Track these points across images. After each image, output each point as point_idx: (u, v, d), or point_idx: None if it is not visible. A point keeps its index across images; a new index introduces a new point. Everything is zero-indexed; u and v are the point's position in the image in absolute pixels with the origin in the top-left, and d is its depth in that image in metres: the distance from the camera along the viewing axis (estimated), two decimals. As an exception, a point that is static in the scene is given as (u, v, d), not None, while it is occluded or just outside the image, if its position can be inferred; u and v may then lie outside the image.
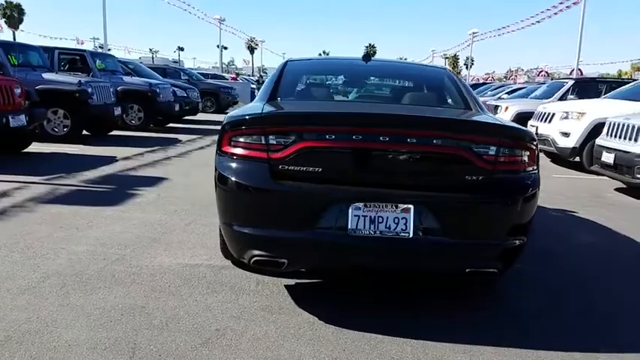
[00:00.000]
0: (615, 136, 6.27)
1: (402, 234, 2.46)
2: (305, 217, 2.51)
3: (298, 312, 2.79)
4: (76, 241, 3.79)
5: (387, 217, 2.46)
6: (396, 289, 3.21)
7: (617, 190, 6.81)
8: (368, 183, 2.53)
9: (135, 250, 3.66)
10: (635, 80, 10.90)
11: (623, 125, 6.16)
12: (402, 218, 2.46)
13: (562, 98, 10.39)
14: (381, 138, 2.49)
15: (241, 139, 2.62)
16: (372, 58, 4.02)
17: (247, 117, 2.69)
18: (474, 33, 41.68)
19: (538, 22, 37.46)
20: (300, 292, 3.04)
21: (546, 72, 50.88)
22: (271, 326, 2.62)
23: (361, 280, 3.30)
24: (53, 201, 4.97)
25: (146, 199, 5.20)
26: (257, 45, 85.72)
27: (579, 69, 41.40)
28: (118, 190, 5.62)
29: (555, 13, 35.59)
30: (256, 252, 2.59)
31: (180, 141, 10.33)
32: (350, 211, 2.46)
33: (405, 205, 2.46)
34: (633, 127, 5.97)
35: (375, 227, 2.46)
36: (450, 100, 3.38)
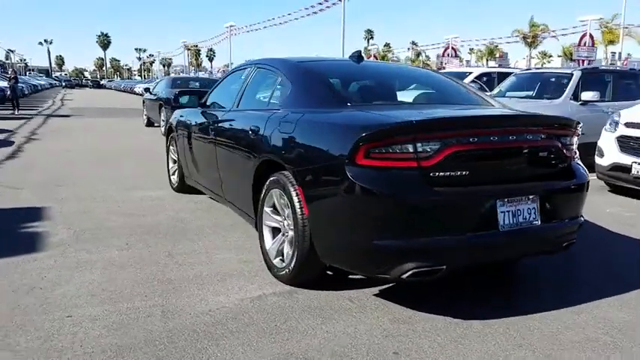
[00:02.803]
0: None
1: (534, 222, 2.76)
2: (463, 220, 2.58)
3: (429, 317, 2.80)
4: (72, 304, 2.90)
5: (523, 209, 2.72)
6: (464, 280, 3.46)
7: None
8: (504, 180, 2.73)
9: (166, 297, 3.00)
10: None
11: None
12: (532, 208, 2.75)
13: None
14: (510, 137, 2.72)
15: (386, 150, 2.50)
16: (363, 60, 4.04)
17: (393, 126, 2.56)
18: (230, 26, 42.44)
19: (293, 19, 40.30)
20: (399, 299, 3.02)
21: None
22: (431, 335, 2.60)
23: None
24: None
25: (63, 237, 4.13)
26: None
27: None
28: None
29: (308, 15, 38.80)
30: (413, 264, 2.52)
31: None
32: (497, 208, 2.63)
33: (533, 196, 2.75)
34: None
35: (517, 220, 2.69)
36: (473, 97, 3.71)
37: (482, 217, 2.62)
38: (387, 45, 76.17)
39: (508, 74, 10.15)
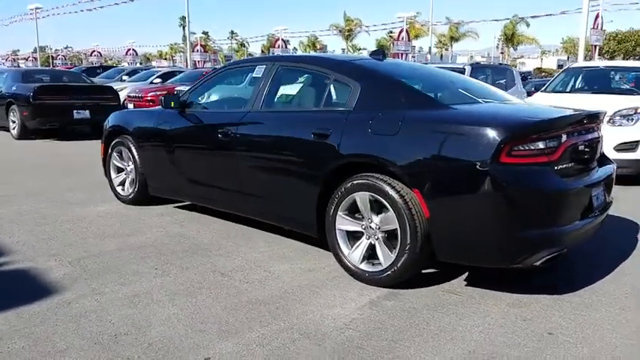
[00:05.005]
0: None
1: (604, 202, 3.24)
2: (581, 206, 2.98)
3: (532, 298, 3.06)
4: (190, 345, 2.52)
5: (599, 193, 3.20)
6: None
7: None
8: (587, 169, 3.15)
9: (283, 319, 2.79)
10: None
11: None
12: (602, 191, 3.26)
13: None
14: (590, 131, 3.17)
15: (524, 147, 2.72)
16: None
17: (536, 124, 2.84)
18: (36, 8, 36.73)
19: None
20: (488, 285, 3.23)
21: (99, 52, 51.36)
22: (554, 312, 2.88)
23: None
24: None
25: (66, 271, 3.43)
26: None
27: (134, 49, 44.08)
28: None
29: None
30: (547, 251, 2.81)
31: None
32: (592, 193, 3.06)
33: (602, 181, 3.24)
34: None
35: (599, 202, 3.17)
36: (500, 93, 4.04)
37: (588, 201, 3.03)
38: (205, 33, 74.34)
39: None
